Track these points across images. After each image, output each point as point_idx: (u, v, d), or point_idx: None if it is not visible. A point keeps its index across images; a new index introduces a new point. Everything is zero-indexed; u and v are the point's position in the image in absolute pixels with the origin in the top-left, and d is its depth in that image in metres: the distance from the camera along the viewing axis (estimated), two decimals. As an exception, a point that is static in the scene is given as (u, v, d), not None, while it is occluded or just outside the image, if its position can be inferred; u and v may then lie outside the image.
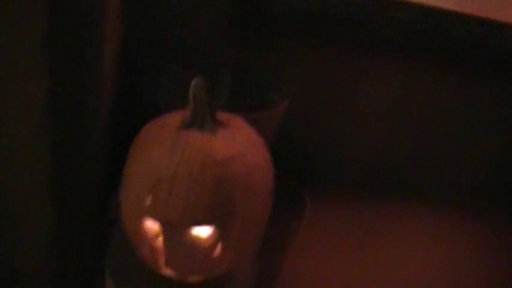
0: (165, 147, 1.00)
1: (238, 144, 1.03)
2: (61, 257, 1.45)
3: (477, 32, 1.79)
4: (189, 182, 0.97)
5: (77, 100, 1.23)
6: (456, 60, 1.85)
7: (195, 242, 1.02)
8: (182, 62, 1.63)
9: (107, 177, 1.46)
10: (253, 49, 1.74)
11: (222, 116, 1.10)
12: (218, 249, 1.03)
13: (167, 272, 1.08)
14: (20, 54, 1.15)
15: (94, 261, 1.43)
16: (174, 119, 1.07)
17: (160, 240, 1.03)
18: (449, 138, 2.05)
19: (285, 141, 1.26)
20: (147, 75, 1.67)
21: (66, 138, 1.26)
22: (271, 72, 1.69)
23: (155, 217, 1.01)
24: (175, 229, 1.00)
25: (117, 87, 1.50)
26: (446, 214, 2.11)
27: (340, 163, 2.05)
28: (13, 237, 1.42)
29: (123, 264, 1.17)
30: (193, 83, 1.03)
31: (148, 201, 1.00)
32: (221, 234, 1.01)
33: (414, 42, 1.76)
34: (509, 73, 1.88)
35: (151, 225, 1.03)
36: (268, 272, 1.41)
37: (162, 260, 1.06)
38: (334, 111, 1.92)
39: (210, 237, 1.02)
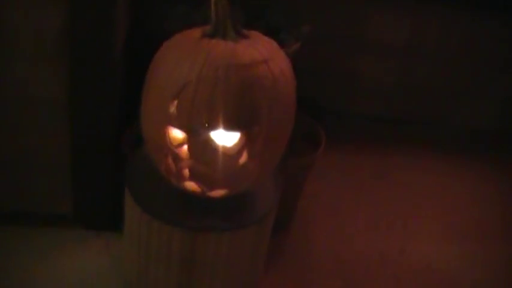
0: (188, 54, 0.99)
1: (261, 51, 1.02)
2: (79, 194, 1.45)
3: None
4: (213, 85, 0.96)
5: (93, 29, 1.23)
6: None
7: (221, 149, 1.01)
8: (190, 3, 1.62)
9: (120, 114, 1.45)
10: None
11: (243, 29, 1.08)
12: (243, 158, 1.02)
13: (190, 185, 1.07)
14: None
15: (111, 195, 1.43)
16: (195, 32, 1.06)
17: (185, 149, 1.02)
18: (462, 74, 2.06)
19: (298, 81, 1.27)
20: (155, 15, 1.65)
21: (83, 67, 1.26)
22: (283, 13, 1.68)
23: (180, 125, 0.99)
24: (200, 136, 0.99)
25: (129, 24, 1.48)
26: (456, 153, 2.12)
27: (353, 99, 2.07)
28: (30, 177, 1.41)
29: (143, 184, 1.15)
30: (214, -6, 1.02)
31: (172, 109, 0.99)
32: (247, 141, 1.00)
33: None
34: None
35: (176, 133, 1.02)
36: (288, 199, 1.40)
37: (186, 172, 1.05)
38: (346, 49, 1.92)
39: (236, 144, 1.01)
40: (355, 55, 2.00)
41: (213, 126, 0.98)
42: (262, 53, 1.01)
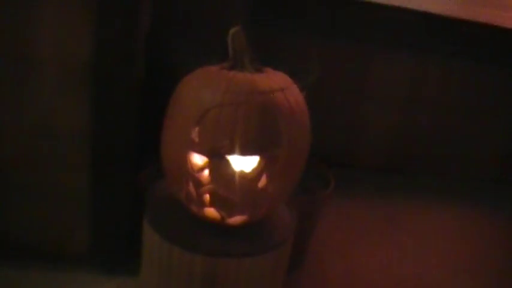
0: (210, 83, 1.05)
1: (277, 81, 1.08)
2: (96, 229, 1.46)
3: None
4: (235, 110, 1.01)
5: (116, 61, 1.30)
6: (466, 44, 1.95)
7: (241, 172, 1.05)
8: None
9: (138, 149, 1.49)
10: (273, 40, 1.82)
11: (258, 64, 1.15)
12: (263, 181, 1.06)
13: (210, 212, 1.10)
14: (66, 19, 1.24)
15: (128, 231, 1.45)
16: (213, 67, 1.13)
17: (205, 174, 1.06)
18: (464, 121, 2.12)
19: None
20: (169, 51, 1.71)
21: (106, 98, 1.32)
22: (289, 61, 1.76)
23: (202, 150, 1.04)
24: (221, 160, 1.03)
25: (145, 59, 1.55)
26: (458, 200, 2.17)
27: (358, 146, 2.11)
28: (47, 212, 1.44)
29: (161, 213, 1.18)
30: (231, 31, 1.10)
31: (194, 134, 1.04)
32: (266, 165, 1.05)
33: (424, 30, 1.86)
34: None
35: (197, 159, 1.06)
36: (301, 237, 1.42)
37: (206, 198, 1.08)
38: (351, 97, 1.99)
39: (256, 168, 1.05)
40: (357, 107, 2.08)
41: (235, 150, 1.02)
42: (279, 83, 1.08)
